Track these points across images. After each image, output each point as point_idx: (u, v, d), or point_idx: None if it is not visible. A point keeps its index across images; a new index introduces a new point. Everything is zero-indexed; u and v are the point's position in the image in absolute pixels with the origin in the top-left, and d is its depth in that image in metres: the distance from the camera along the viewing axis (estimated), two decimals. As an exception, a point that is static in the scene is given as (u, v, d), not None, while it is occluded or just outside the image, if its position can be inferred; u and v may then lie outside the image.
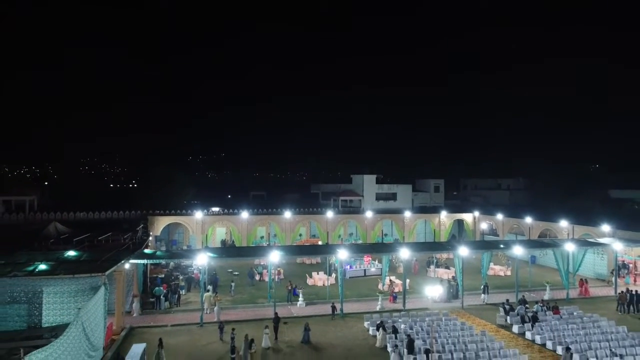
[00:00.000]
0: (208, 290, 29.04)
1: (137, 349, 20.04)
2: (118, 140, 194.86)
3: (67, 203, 52.45)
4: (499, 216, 51.06)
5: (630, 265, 40.04)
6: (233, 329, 21.96)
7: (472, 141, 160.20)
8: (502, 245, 33.70)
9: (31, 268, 22.35)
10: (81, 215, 46.94)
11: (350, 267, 38.99)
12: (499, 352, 20.10)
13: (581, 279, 33.29)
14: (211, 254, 28.50)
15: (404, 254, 28.83)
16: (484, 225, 54.87)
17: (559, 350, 21.03)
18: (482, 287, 30.83)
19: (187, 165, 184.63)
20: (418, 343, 20.95)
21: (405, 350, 20.29)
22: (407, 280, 33.29)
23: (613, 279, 34.29)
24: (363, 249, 35.65)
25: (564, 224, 41.60)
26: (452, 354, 19.79)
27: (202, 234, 48.36)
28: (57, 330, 19.60)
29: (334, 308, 27.23)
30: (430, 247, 39.50)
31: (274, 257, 27.56)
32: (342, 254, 28.33)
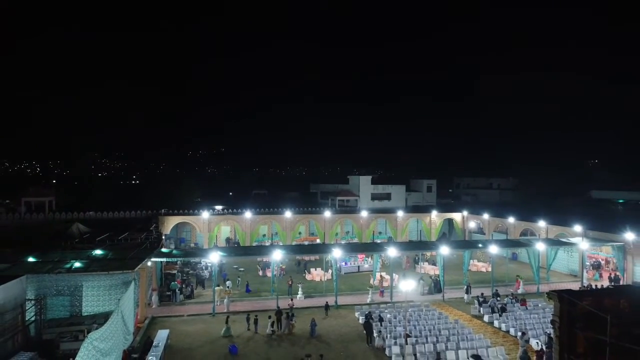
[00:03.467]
0: (218, 285, 32.85)
1: (162, 333, 23.84)
2: (117, 135, 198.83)
3: (81, 203, 56.14)
4: (485, 216, 54.73)
5: (602, 262, 43.82)
6: (269, 317, 26.82)
7: (470, 141, 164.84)
8: (480, 245, 37.45)
9: (68, 265, 26.12)
10: (95, 215, 50.37)
11: (346, 263, 42.78)
12: (467, 337, 23.88)
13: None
14: (222, 253, 32.27)
15: (392, 252, 32.63)
16: (472, 224, 58.53)
17: (531, 341, 24.75)
18: (465, 288, 33.89)
19: (187, 160, 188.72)
20: (399, 329, 24.75)
21: (389, 335, 24.10)
22: (396, 276, 37.27)
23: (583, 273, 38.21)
24: (356, 248, 39.46)
25: (541, 224, 45.33)
26: (426, 338, 23.58)
27: (209, 233, 51.99)
28: (95, 318, 23.43)
29: (327, 306, 29.93)
30: (416, 246, 43.31)
31: (277, 255, 31.33)
32: (337, 253, 32.05)
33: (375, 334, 25.01)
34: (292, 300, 30.31)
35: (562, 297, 11.61)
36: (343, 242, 53.71)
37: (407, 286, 20.68)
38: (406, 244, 46.85)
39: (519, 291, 35.15)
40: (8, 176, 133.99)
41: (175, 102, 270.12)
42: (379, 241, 52.12)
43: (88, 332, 17.34)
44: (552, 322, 12.38)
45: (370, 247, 38.17)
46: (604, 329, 11.48)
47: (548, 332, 25.01)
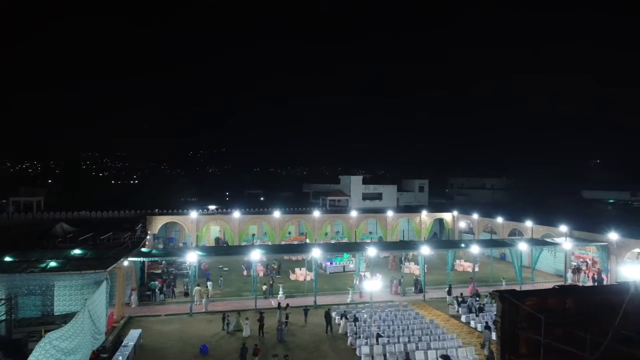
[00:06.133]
0: (198, 284, 32.85)
1: (134, 333, 23.82)
2: (119, 135, 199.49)
3: (71, 202, 56.16)
4: (475, 216, 54.62)
5: (589, 262, 43.56)
6: (246, 317, 26.75)
7: (467, 141, 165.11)
8: (463, 245, 37.34)
9: (43, 265, 26.06)
10: (84, 214, 50.44)
11: (331, 263, 42.75)
12: (439, 337, 23.82)
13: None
14: (201, 253, 32.24)
15: (372, 252, 32.55)
16: (462, 224, 58.40)
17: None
18: (447, 289, 33.37)
19: (188, 159, 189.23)
20: (373, 329, 24.66)
21: (361, 335, 24.02)
22: (379, 276, 37.20)
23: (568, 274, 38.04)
24: (337, 247, 39.42)
25: (528, 224, 45.17)
26: (398, 338, 23.48)
27: (198, 232, 51.94)
28: (67, 318, 23.30)
29: (306, 311, 28.62)
30: (399, 245, 43.22)
31: (255, 255, 31.30)
32: (316, 253, 31.98)
33: (349, 334, 25.04)
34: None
35: (504, 297, 11.52)
36: (333, 241, 53.74)
37: (372, 286, 20.60)
38: (388, 243, 46.89)
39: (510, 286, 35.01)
40: (6, 176, 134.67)
41: (177, 102, 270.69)
42: (368, 241, 52.05)
43: (46, 332, 17.28)
44: (495, 322, 12.30)
45: (352, 247, 38.14)
46: (548, 330, 11.40)
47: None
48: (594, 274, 38.16)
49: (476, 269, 42.28)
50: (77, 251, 30.43)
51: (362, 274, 36.85)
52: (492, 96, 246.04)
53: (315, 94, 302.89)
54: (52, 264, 26.15)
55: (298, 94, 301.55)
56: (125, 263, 29.17)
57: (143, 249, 33.82)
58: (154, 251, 35.03)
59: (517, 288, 35.49)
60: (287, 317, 27.21)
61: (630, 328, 11.18)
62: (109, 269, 25.03)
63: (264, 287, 33.89)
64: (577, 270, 39.12)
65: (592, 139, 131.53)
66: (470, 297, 31.41)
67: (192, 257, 30.43)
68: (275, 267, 42.03)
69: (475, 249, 34.47)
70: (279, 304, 28.94)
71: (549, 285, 37.87)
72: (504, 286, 35.99)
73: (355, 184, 65.82)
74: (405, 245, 42.98)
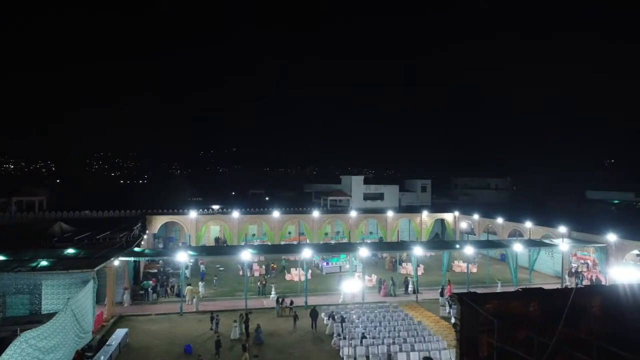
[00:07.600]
0: (191, 284, 32.99)
1: (120, 333, 23.96)
2: (129, 134, 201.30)
3: (73, 202, 56.77)
4: (475, 216, 54.10)
5: (590, 263, 42.88)
6: (235, 320, 26.43)
7: (470, 140, 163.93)
8: (457, 246, 36.99)
9: (34, 264, 26.37)
10: (85, 214, 51.00)
11: (327, 263, 42.66)
12: (424, 338, 23.60)
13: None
14: (192, 252, 32.35)
15: (363, 252, 32.42)
16: (463, 225, 57.89)
17: None
18: (440, 290, 33.15)
19: (198, 159, 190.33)
20: (358, 330, 24.54)
21: (347, 336, 23.89)
22: (374, 276, 37.09)
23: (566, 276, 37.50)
24: (329, 248, 39.36)
25: (527, 224, 44.64)
26: (383, 340, 23.33)
27: (197, 232, 52.13)
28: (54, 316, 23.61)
29: (295, 317, 27.71)
30: (393, 246, 42.89)
31: (246, 255, 31.35)
32: (307, 253, 31.92)
33: (335, 334, 24.94)
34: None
35: (463, 300, 11.30)
36: (333, 242, 53.66)
37: (351, 288, 20.48)
38: (382, 244, 46.75)
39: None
40: (20, 175, 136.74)
41: (187, 103, 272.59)
42: (369, 241, 51.80)
43: (22, 331, 17.46)
44: (454, 325, 12.09)
45: (345, 247, 38.05)
46: (509, 334, 11.20)
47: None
48: (591, 277, 37.57)
49: (474, 270, 42.09)
50: (70, 250, 30.72)
51: (358, 274, 36.71)
52: (496, 94, 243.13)
53: (320, 89, 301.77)
54: (44, 263, 26.43)
55: (304, 89, 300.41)
56: (116, 262, 29.35)
57: (136, 249, 33.98)
58: (146, 251, 35.28)
59: (513, 289, 35.37)
60: (289, 307, 28.54)
61: (592, 331, 10.95)
62: (96, 268, 25.21)
63: (258, 284, 34.31)
64: (574, 273, 38.46)
65: (599, 138, 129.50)
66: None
67: (182, 257, 30.55)
68: (275, 266, 42.04)
69: (469, 250, 34.12)
70: (277, 299, 30.03)
71: (547, 287, 37.49)
72: (499, 287, 35.64)
73: (356, 184, 65.57)
74: (400, 245, 42.69)
